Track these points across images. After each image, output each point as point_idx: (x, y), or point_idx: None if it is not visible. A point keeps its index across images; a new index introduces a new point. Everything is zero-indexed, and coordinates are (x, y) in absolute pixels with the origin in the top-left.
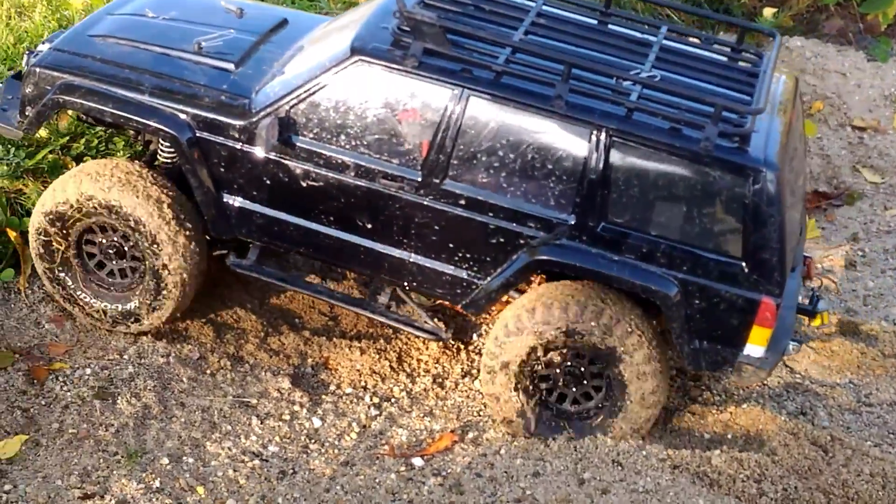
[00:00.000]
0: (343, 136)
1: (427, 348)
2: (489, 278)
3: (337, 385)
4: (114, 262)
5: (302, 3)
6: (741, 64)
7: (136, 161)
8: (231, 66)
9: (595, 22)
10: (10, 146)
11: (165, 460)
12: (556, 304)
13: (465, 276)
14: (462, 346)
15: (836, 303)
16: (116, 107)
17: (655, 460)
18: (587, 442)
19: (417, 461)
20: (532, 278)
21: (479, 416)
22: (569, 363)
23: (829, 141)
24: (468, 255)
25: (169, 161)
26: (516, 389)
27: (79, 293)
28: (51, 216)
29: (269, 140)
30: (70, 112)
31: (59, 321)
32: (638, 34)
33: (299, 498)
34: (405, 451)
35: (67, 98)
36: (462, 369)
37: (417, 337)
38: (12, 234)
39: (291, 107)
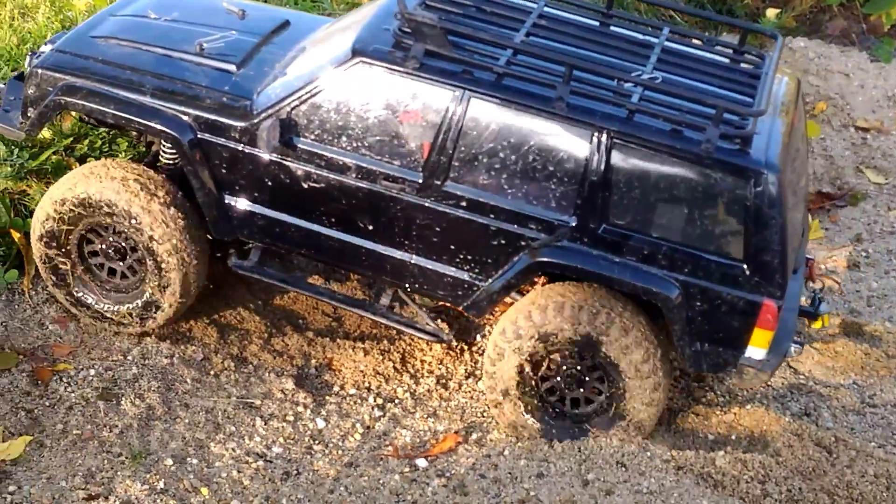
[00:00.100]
0: (344, 138)
1: (431, 349)
2: (490, 280)
3: (340, 386)
4: (122, 263)
5: (305, 4)
6: (743, 66)
7: (135, 161)
8: (233, 68)
9: (597, 23)
10: (13, 147)
11: (169, 461)
12: (551, 307)
13: (467, 278)
14: (466, 347)
15: (839, 304)
16: (118, 108)
17: (659, 461)
18: (591, 443)
19: (421, 462)
20: (535, 279)
21: (483, 417)
22: (569, 365)
23: (833, 142)
24: (469, 257)
25: (171, 162)
26: (518, 393)
27: (102, 306)
28: (46, 236)
29: (270, 141)
30: (73, 113)
31: (62, 322)
32: (639, 36)
33: (303, 499)
34: (409, 452)
35: (69, 99)
36: (466, 370)
37: (420, 338)
38: (16, 236)
39: (293, 108)
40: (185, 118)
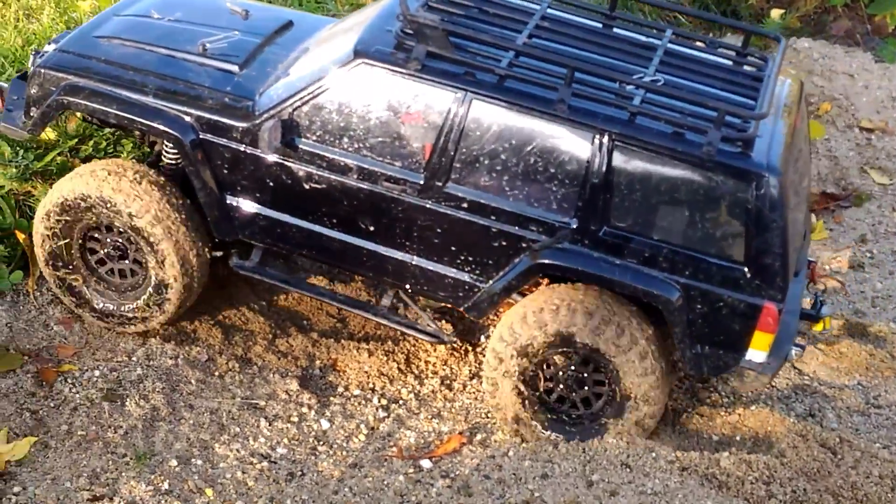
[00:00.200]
0: (346, 139)
1: (435, 350)
2: (491, 281)
3: (345, 387)
4: (126, 261)
5: (309, 4)
6: (746, 68)
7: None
8: (235, 68)
9: (600, 25)
10: (18, 148)
11: (174, 462)
12: (546, 309)
13: (468, 280)
14: (470, 348)
15: (844, 304)
16: (120, 108)
17: (664, 462)
18: (595, 444)
19: (426, 463)
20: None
21: (487, 417)
22: (569, 366)
23: (837, 142)
24: (470, 259)
25: (173, 162)
26: (518, 393)
27: (123, 308)
28: (50, 258)
29: (272, 142)
30: (78, 114)
31: (67, 323)
32: (642, 38)
33: (307, 500)
34: (413, 452)
35: (72, 99)
36: (470, 371)
37: (421, 339)
38: (21, 237)
39: (295, 109)
40: (188, 118)
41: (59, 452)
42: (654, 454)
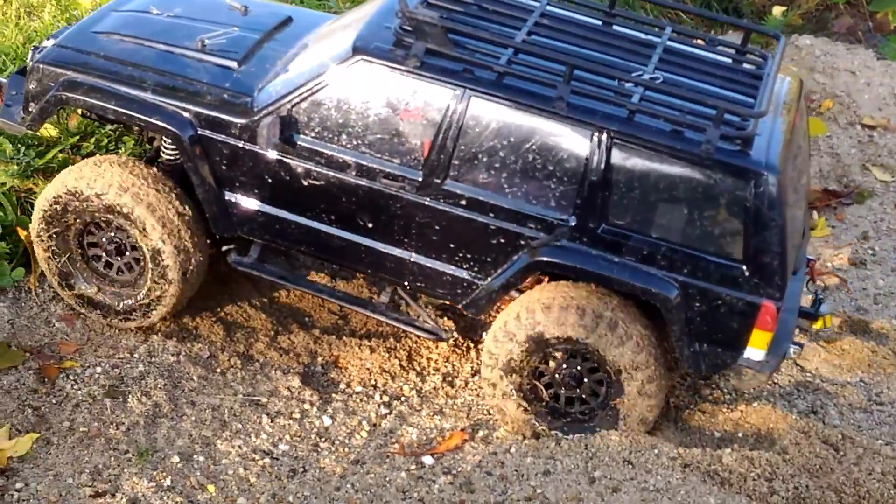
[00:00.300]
0: (344, 136)
1: (437, 347)
2: (490, 279)
3: (347, 384)
4: (129, 252)
5: (309, 1)
6: (745, 66)
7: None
8: (234, 64)
9: (599, 23)
10: (20, 145)
11: (176, 458)
12: (539, 308)
13: (466, 277)
14: (472, 345)
15: (846, 301)
16: (119, 104)
17: (666, 459)
18: (597, 441)
19: (428, 459)
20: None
21: (489, 414)
22: (566, 364)
23: (839, 139)
24: (469, 256)
25: (172, 158)
26: (517, 391)
27: (137, 298)
28: (61, 277)
29: (270, 138)
30: (79, 110)
31: (69, 320)
32: (642, 35)
33: (310, 496)
34: (415, 449)
35: (70, 95)
36: (472, 368)
37: (419, 336)
38: (22, 234)
39: (293, 105)
40: (186, 114)
41: (61, 449)
42: (656, 451)
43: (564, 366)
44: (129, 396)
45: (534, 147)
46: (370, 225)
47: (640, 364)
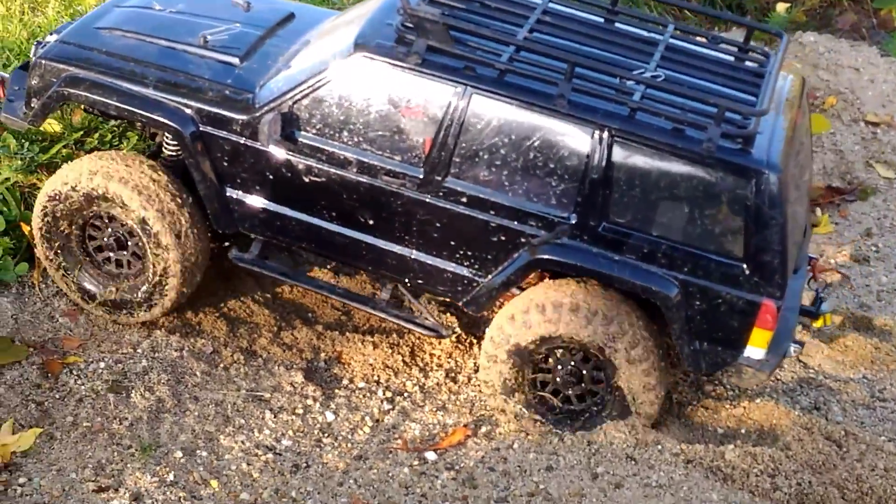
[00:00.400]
0: (346, 133)
1: (440, 343)
2: (490, 276)
3: (350, 379)
4: (130, 243)
5: None
6: (747, 64)
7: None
8: (236, 61)
9: (601, 20)
10: (24, 140)
11: (179, 454)
12: (534, 309)
13: (467, 274)
14: (475, 341)
15: (849, 298)
16: (120, 100)
17: (669, 455)
18: (600, 436)
19: (430, 455)
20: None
21: (492, 410)
22: (566, 362)
23: (843, 136)
24: (469, 253)
25: (173, 154)
26: (515, 367)
27: (141, 292)
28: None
29: (271, 135)
30: (81, 105)
31: (72, 315)
32: (644, 33)
33: (312, 491)
34: (418, 445)
35: (72, 90)
36: (475, 364)
37: (419, 333)
38: (26, 229)
39: (294, 102)
40: (188, 111)
41: (65, 444)
42: (658, 447)
43: (561, 365)
44: (133, 392)
45: (535, 145)
46: (371, 222)
47: (638, 358)
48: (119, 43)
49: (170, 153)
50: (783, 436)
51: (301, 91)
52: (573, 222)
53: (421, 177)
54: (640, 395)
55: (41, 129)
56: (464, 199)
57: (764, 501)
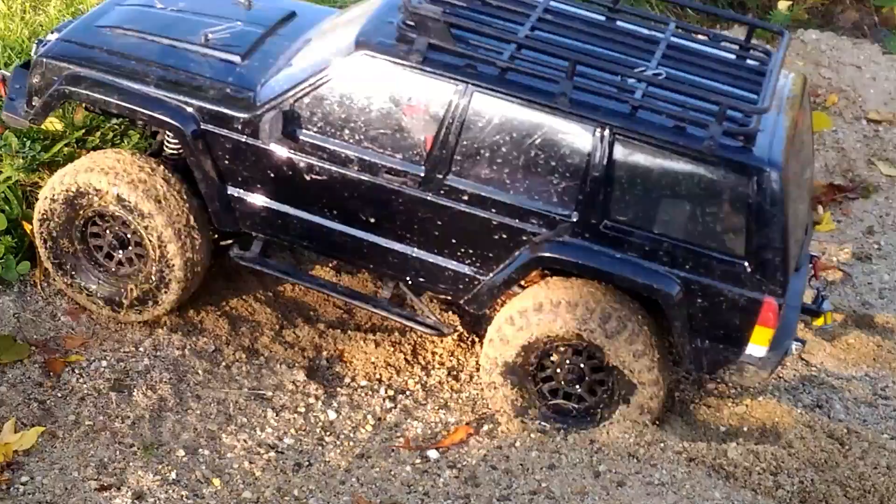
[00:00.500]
0: (347, 131)
1: (442, 341)
2: (491, 274)
3: (352, 378)
4: (130, 237)
5: None
6: (749, 62)
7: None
8: (237, 59)
9: (603, 18)
10: (25, 139)
11: (181, 452)
12: (531, 307)
13: (468, 272)
14: (477, 339)
15: (851, 296)
16: (122, 98)
17: (671, 453)
18: (603, 435)
19: (433, 453)
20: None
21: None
22: (568, 361)
23: (845, 134)
24: (471, 251)
25: (175, 153)
26: (516, 387)
27: (141, 287)
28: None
29: (272, 133)
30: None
31: (74, 314)
32: (645, 31)
33: (315, 490)
34: (420, 443)
35: (73, 89)
36: (477, 362)
37: (420, 332)
38: (28, 227)
39: (296, 100)
40: (189, 109)
41: (67, 442)
42: (661, 445)
43: (566, 363)
44: (135, 390)
45: (536, 143)
46: (372, 220)
47: (637, 353)
48: (120, 41)
49: (171, 151)
50: (785, 434)
51: (302, 89)
52: (575, 220)
53: (422, 175)
54: (641, 391)
55: (43, 127)
56: (465, 197)
57: (766, 499)
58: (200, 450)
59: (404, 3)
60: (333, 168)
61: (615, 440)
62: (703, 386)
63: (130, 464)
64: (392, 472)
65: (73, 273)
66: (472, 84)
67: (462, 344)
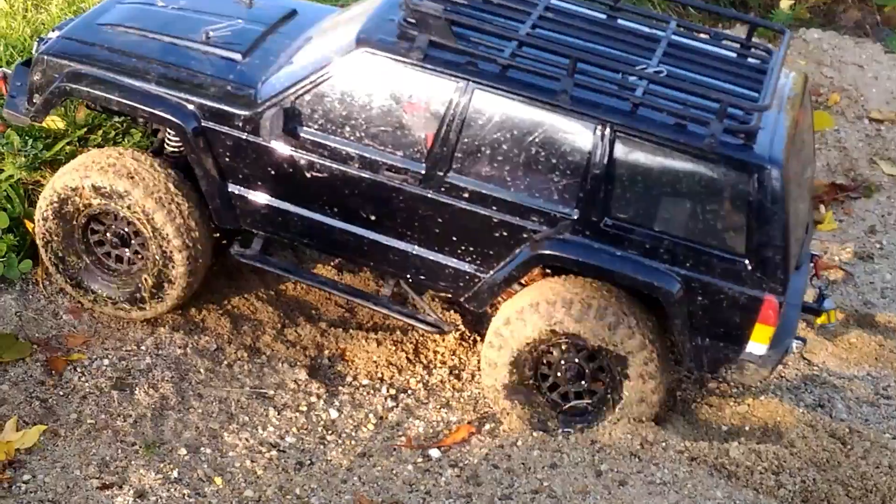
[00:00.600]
0: (347, 128)
1: (443, 340)
2: (492, 272)
3: (354, 377)
4: (132, 239)
5: None
6: (750, 60)
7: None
8: (238, 57)
9: (604, 16)
10: (27, 137)
11: (183, 451)
12: (527, 307)
13: (468, 270)
14: (479, 338)
15: (853, 295)
16: (122, 95)
17: (673, 452)
18: (604, 434)
19: (434, 452)
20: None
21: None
22: (576, 359)
23: (847, 133)
24: (471, 249)
25: (176, 150)
26: (516, 385)
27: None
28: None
29: (273, 130)
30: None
31: (76, 312)
32: (646, 29)
33: (316, 489)
34: (422, 442)
35: (74, 86)
36: (479, 361)
37: (421, 329)
38: (30, 226)
39: (297, 97)
40: (190, 106)
41: (69, 441)
42: (663, 444)
43: (564, 361)
44: (137, 389)
45: (537, 140)
46: (373, 217)
47: (635, 348)
48: (121, 39)
49: (172, 149)
50: (787, 433)
51: (303, 87)
52: (575, 218)
53: (423, 172)
54: (640, 387)
55: (45, 126)
56: (466, 195)
57: (768, 499)
58: (202, 448)
59: (405, 1)
60: (334, 165)
61: (617, 440)
62: (705, 385)
63: (132, 462)
64: (394, 471)
65: (92, 287)
66: (473, 81)
67: (464, 343)
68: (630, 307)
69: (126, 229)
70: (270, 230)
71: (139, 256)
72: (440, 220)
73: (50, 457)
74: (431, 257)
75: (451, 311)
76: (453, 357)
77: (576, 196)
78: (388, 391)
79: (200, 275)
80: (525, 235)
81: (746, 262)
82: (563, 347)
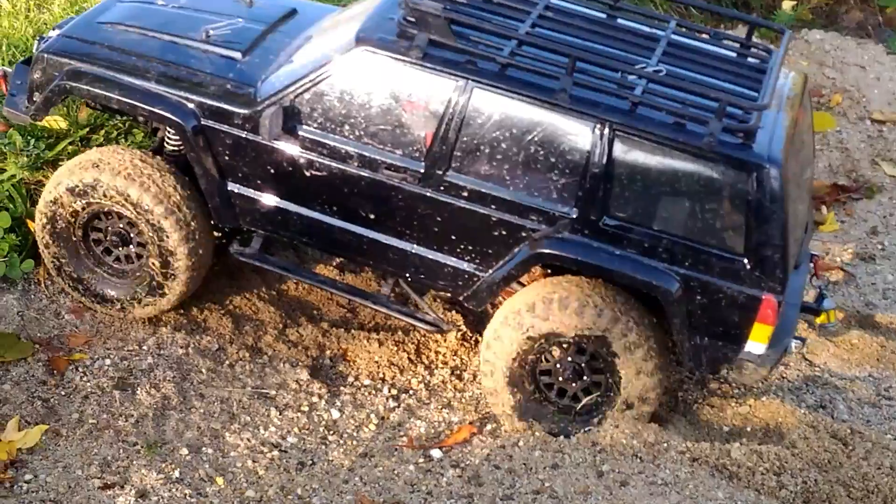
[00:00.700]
0: (347, 126)
1: (445, 340)
2: (491, 271)
3: (355, 377)
4: (133, 236)
5: None
6: (749, 60)
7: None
8: (238, 55)
9: (603, 15)
10: (29, 137)
11: (185, 451)
12: (498, 325)
13: (467, 268)
14: (480, 338)
15: (854, 296)
16: (122, 94)
17: (674, 453)
18: (606, 434)
19: (436, 453)
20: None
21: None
22: (567, 357)
23: (849, 134)
24: (470, 247)
25: (176, 149)
26: (513, 385)
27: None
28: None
29: (272, 129)
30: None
31: (78, 312)
32: (646, 28)
33: (318, 489)
34: (424, 442)
35: (74, 84)
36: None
37: (420, 328)
38: (32, 225)
39: (296, 96)
40: (190, 105)
41: (71, 441)
42: (664, 445)
43: (562, 360)
44: (138, 388)
45: (536, 139)
46: (372, 216)
47: (633, 344)
48: (121, 37)
49: (172, 148)
50: (789, 434)
51: (303, 85)
52: (574, 217)
53: (422, 171)
54: (638, 385)
55: (47, 125)
56: (465, 194)
57: (770, 499)
58: (204, 448)
59: (405, 0)
60: (333, 164)
61: (619, 440)
62: (707, 386)
63: (134, 462)
64: (395, 472)
65: (109, 296)
66: (473, 80)
67: (465, 343)
68: (594, 288)
69: (126, 228)
70: (270, 229)
71: (139, 256)
72: (439, 218)
73: (52, 456)
74: (430, 256)
75: (453, 312)
76: (455, 357)
77: (575, 195)
78: (389, 391)
79: (200, 275)
80: (524, 234)
81: (745, 261)
82: (551, 350)
